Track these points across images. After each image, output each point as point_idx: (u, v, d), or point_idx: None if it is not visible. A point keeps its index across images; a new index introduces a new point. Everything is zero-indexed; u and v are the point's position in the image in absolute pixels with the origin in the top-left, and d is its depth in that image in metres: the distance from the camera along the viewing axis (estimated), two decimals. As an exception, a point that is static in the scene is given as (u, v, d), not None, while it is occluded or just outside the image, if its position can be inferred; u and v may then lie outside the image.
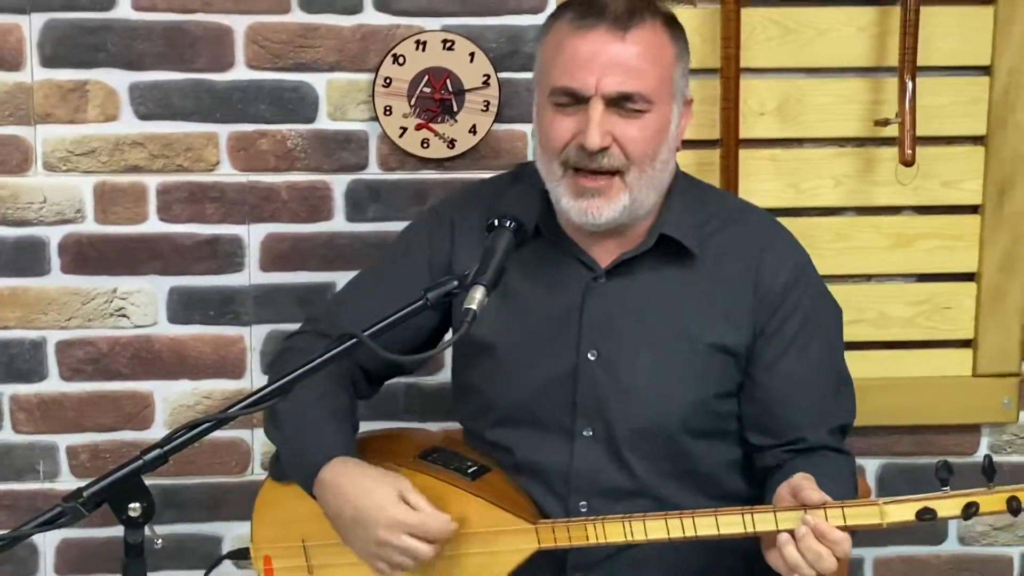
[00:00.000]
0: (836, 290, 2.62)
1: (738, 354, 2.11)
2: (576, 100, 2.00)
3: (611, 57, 1.98)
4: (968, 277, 2.74)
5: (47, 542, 2.71)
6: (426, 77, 2.59)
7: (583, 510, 2.09)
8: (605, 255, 2.12)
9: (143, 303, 2.66)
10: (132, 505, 1.73)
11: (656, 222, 2.11)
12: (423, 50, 2.59)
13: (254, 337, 2.67)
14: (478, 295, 1.83)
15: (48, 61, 2.56)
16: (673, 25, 2.07)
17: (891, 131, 2.58)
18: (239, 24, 2.58)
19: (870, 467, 2.80)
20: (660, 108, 2.02)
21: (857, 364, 2.65)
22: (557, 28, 2.04)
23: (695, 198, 2.16)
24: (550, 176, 2.05)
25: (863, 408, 2.64)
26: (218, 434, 2.60)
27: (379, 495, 1.97)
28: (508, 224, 1.93)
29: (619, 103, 1.99)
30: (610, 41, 1.98)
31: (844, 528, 1.86)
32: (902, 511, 1.88)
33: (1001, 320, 2.73)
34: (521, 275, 2.07)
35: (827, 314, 2.18)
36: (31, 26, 2.55)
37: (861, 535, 2.75)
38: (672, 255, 2.10)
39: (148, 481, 2.62)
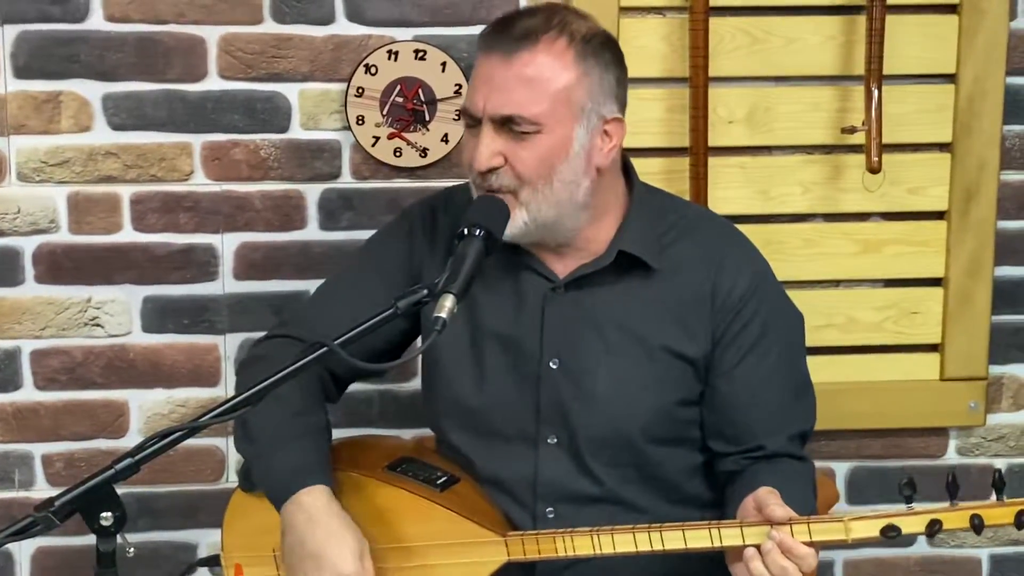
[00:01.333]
0: (804, 295, 2.65)
1: (697, 362, 2.11)
2: (476, 121, 2.01)
3: (497, 81, 1.98)
4: (935, 282, 2.74)
5: (23, 551, 2.70)
6: (398, 87, 2.59)
7: (550, 516, 2.09)
8: (562, 267, 2.11)
9: (117, 312, 2.65)
10: (104, 514, 1.72)
11: (615, 237, 2.10)
12: (395, 60, 2.58)
13: (228, 345, 2.67)
14: (448, 303, 1.82)
15: (21, 72, 2.56)
16: (586, 43, 2.01)
17: (858, 138, 2.59)
18: (212, 35, 2.58)
19: (839, 471, 2.81)
20: (554, 129, 1.99)
21: (826, 369, 2.69)
22: (477, 49, 2.06)
23: (654, 209, 2.16)
24: (473, 191, 2.06)
25: (833, 412, 2.67)
26: (193, 442, 2.60)
27: (345, 547, 1.96)
28: (478, 232, 1.92)
29: (507, 125, 1.98)
30: (497, 65, 1.99)
31: (810, 543, 1.86)
32: (867, 528, 1.87)
33: (968, 324, 2.74)
34: (482, 287, 2.07)
35: (786, 321, 2.18)
36: (3, 37, 2.54)
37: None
38: (631, 267, 2.10)
39: (124, 489, 2.61)
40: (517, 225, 2.02)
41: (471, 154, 2.02)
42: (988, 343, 2.75)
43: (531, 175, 2.00)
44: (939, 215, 2.72)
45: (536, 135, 1.99)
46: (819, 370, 2.66)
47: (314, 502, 2.00)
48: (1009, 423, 2.83)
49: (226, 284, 2.66)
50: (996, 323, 2.76)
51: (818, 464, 2.69)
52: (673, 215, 2.17)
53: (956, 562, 2.86)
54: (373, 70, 2.58)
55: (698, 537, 1.91)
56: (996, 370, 2.80)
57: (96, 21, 2.55)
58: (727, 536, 1.90)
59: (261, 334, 2.40)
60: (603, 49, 2.05)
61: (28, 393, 2.66)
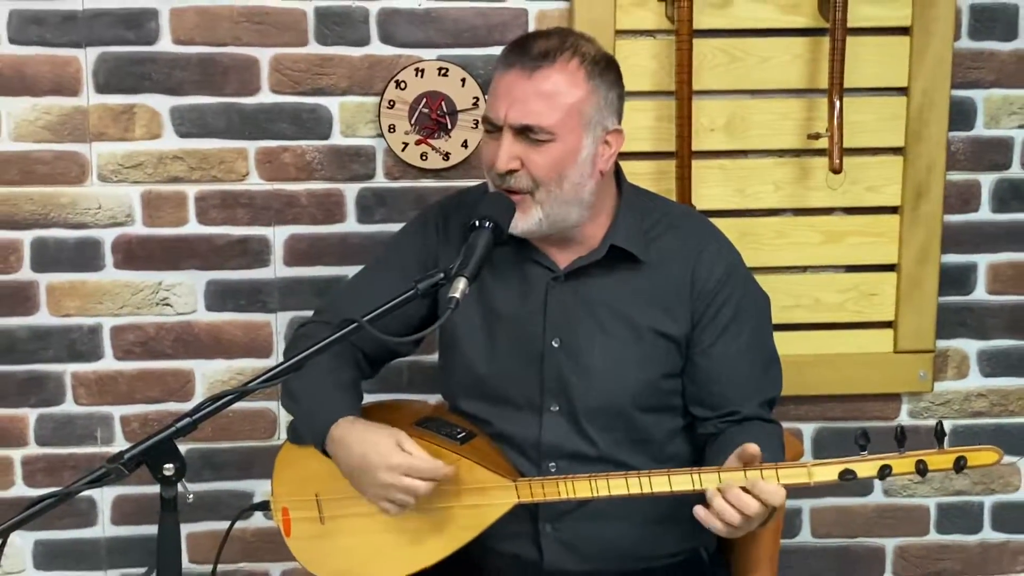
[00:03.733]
0: (775, 280, 2.65)
1: (679, 340, 2.11)
2: (496, 128, 2.00)
3: (517, 93, 1.98)
4: (889, 268, 2.72)
5: (104, 498, 2.71)
6: (424, 99, 2.59)
7: (552, 470, 2.10)
8: (563, 258, 2.12)
9: (184, 294, 2.66)
10: (167, 466, 1.73)
11: (608, 233, 2.10)
12: (422, 77, 2.58)
13: (279, 322, 2.67)
14: (461, 285, 1.83)
15: (101, 88, 2.57)
16: (595, 64, 2.02)
17: (822, 143, 2.57)
18: (264, 55, 2.58)
19: (806, 431, 2.80)
20: (566, 138, 1.99)
21: (795, 343, 2.69)
22: (497, 65, 2.05)
23: (641, 208, 2.16)
24: (491, 188, 2.05)
25: (800, 381, 2.68)
26: (249, 404, 2.67)
27: (382, 446, 1.98)
28: (487, 224, 1.93)
29: (524, 133, 1.98)
30: (518, 79, 1.98)
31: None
32: (827, 472, 1.88)
33: (917, 304, 2.72)
34: (493, 278, 2.08)
35: (755, 304, 2.17)
36: (87, 58, 2.55)
37: (796, 490, 2.77)
38: (622, 259, 2.10)
39: (190, 445, 2.68)
40: (533, 221, 2.02)
41: (491, 157, 2.02)
42: (935, 321, 2.73)
43: (544, 177, 1.99)
44: (893, 210, 2.70)
45: (550, 143, 1.98)
46: (788, 344, 2.66)
47: (342, 431, 2.02)
48: (954, 390, 2.81)
49: (277, 270, 2.66)
50: (942, 303, 2.74)
51: (786, 425, 2.70)
52: (657, 212, 2.16)
53: (907, 509, 2.85)
54: (403, 85, 2.58)
55: (681, 481, 1.91)
56: (942, 344, 2.78)
57: (165, 44, 2.56)
58: (707, 480, 1.88)
59: (307, 313, 2.43)
60: (608, 70, 2.05)
61: (108, 363, 2.67)
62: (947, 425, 2.77)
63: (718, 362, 2.10)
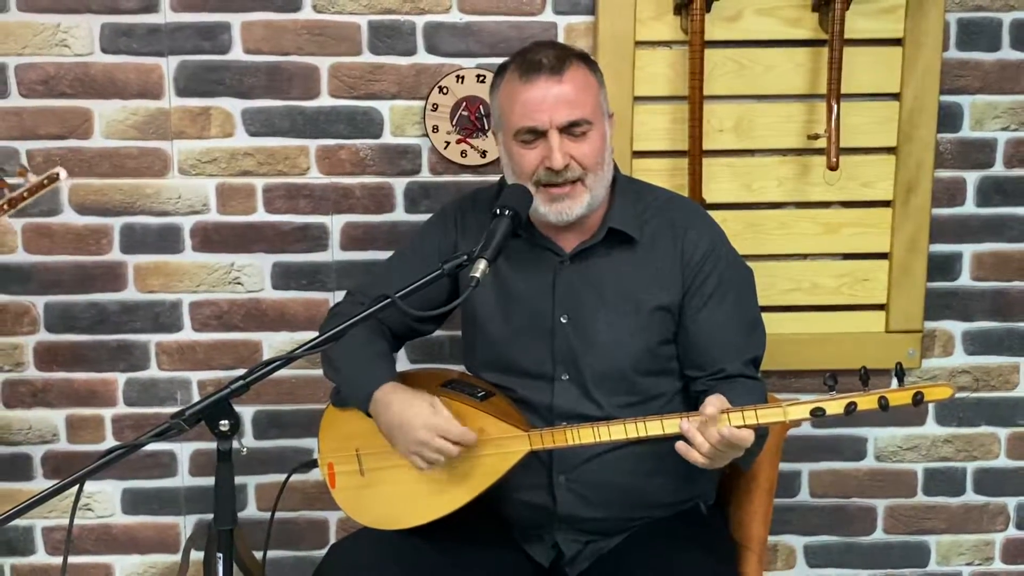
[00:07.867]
0: (778, 267, 2.65)
1: (672, 310, 2.11)
2: (537, 135, 2.01)
3: (556, 97, 1.99)
4: (882, 256, 2.70)
5: (183, 451, 2.75)
6: (464, 103, 2.60)
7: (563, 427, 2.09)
8: (568, 243, 2.13)
9: (253, 274, 2.68)
10: (223, 422, 1.75)
11: (605, 217, 2.11)
12: (462, 83, 2.59)
13: (336, 300, 2.67)
14: (481, 265, 1.85)
15: (181, 92, 2.60)
16: (590, 62, 2.07)
17: (821, 143, 2.55)
18: (323, 63, 2.59)
19: (805, 402, 2.77)
20: (597, 126, 2.03)
21: (795, 323, 2.68)
22: (507, 84, 2.05)
23: (634, 194, 2.16)
24: (532, 189, 2.05)
25: (800, 357, 2.67)
26: (310, 372, 2.69)
27: (418, 407, 2.00)
28: (507, 213, 1.94)
29: (569, 129, 2.00)
30: (552, 85, 1.99)
31: (756, 425, 1.86)
32: (800, 411, 1.87)
33: (907, 289, 2.70)
34: (507, 263, 2.10)
35: (738, 274, 2.16)
36: (168, 66, 2.59)
37: (798, 452, 2.76)
38: (619, 240, 2.11)
39: (260, 407, 2.70)
40: (584, 204, 2.04)
41: (534, 161, 2.02)
42: (923, 304, 2.71)
43: (592, 164, 2.02)
44: (886, 203, 2.68)
45: (590, 132, 2.01)
46: (789, 324, 2.66)
47: (385, 393, 2.05)
48: (940, 366, 2.78)
49: (334, 254, 2.68)
50: (930, 288, 2.72)
51: (786, 397, 2.69)
52: (648, 197, 2.17)
53: (897, 473, 2.82)
54: (445, 90, 2.59)
55: (672, 425, 1.91)
56: (929, 325, 2.75)
57: (237, 53, 2.58)
58: (693, 423, 1.87)
59: (360, 292, 2.43)
60: (596, 66, 2.09)
61: (187, 334, 2.71)
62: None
63: (705, 326, 2.10)
